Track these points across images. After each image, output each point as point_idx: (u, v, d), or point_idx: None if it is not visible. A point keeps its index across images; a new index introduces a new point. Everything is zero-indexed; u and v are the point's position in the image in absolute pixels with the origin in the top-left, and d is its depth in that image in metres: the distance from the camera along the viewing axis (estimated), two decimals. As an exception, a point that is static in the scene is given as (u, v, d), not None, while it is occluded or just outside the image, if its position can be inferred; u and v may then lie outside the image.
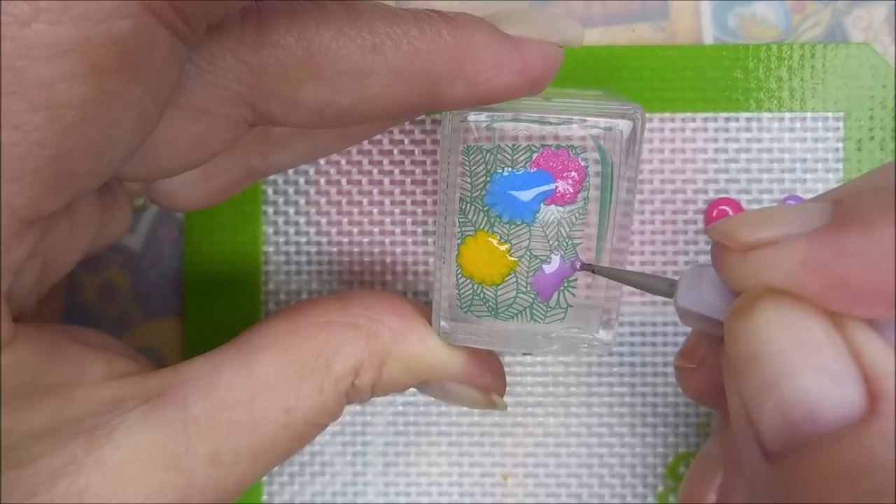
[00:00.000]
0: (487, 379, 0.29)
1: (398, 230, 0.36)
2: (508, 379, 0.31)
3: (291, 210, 0.36)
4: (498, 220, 0.27)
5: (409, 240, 0.36)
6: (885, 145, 0.35)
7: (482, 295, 0.28)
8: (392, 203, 0.36)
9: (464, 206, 0.27)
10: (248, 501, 0.36)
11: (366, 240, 0.36)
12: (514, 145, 0.27)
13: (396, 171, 0.36)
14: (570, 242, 0.27)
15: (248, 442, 0.26)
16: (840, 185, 0.23)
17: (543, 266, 0.28)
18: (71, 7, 0.18)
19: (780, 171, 0.35)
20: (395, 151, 0.36)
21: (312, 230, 0.36)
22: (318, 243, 0.36)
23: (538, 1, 0.36)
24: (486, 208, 0.27)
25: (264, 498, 0.36)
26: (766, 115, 0.35)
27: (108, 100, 0.19)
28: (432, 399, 0.36)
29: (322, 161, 0.36)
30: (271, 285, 0.36)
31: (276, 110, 0.24)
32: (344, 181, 0.36)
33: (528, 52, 0.25)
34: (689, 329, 0.35)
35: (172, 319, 0.37)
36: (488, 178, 0.27)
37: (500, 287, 0.28)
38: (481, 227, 0.27)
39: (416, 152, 0.36)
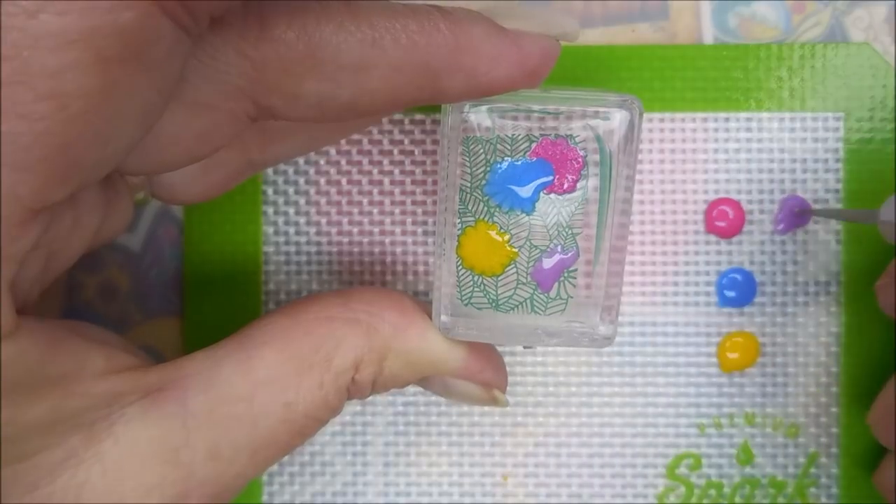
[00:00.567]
0: (489, 374, 0.29)
1: (398, 230, 0.36)
2: (509, 380, 0.31)
3: (291, 210, 0.36)
4: (498, 209, 0.27)
5: (410, 240, 0.36)
6: (885, 145, 0.35)
7: (482, 286, 0.28)
8: (392, 203, 0.36)
9: (464, 197, 0.27)
10: (248, 501, 0.36)
11: (366, 240, 0.36)
12: (513, 135, 0.27)
13: (396, 171, 0.36)
14: (569, 232, 0.27)
15: (247, 436, 0.26)
16: None
17: (543, 256, 0.28)
18: None
19: (779, 171, 0.35)
20: (395, 151, 0.36)
21: (313, 230, 0.36)
22: (319, 243, 0.36)
23: (538, 0, 0.36)
24: (485, 198, 0.27)
25: (264, 498, 0.36)
26: (765, 115, 0.35)
27: (113, 90, 0.19)
28: (433, 399, 0.36)
29: (322, 161, 0.36)
30: (271, 285, 0.36)
31: (278, 104, 0.24)
32: (344, 181, 0.36)
33: (526, 45, 0.25)
34: (689, 327, 0.35)
35: (172, 319, 0.37)
36: (488, 169, 0.27)
37: (500, 278, 0.28)
38: (481, 217, 0.27)
39: (416, 152, 0.36)
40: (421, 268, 0.36)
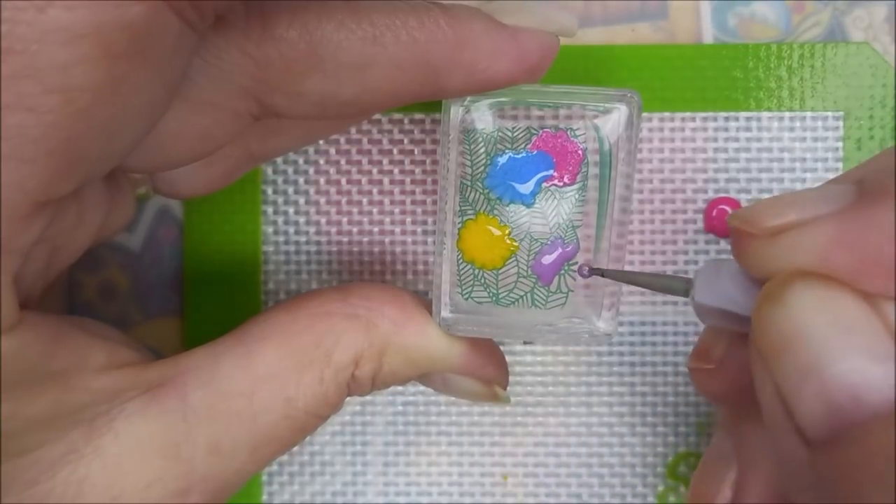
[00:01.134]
0: (489, 370, 0.29)
1: (398, 230, 0.36)
2: (508, 379, 0.31)
3: (291, 210, 0.36)
4: (498, 202, 0.27)
5: (409, 239, 0.36)
6: (885, 144, 0.35)
7: (483, 280, 0.28)
8: (391, 202, 0.36)
9: (464, 191, 0.28)
10: (248, 501, 0.36)
11: (365, 239, 0.36)
12: (513, 128, 0.27)
13: (396, 170, 0.36)
14: (569, 225, 0.28)
15: (248, 432, 0.26)
16: (852, 170, 0.23)
17: (544, 250, 0.28)
18: None
19: (779, 171, 0.35)
20: (395, 151, 0.36)
21: (312, 230, 0.36)
22: (318, 243, 0.36)
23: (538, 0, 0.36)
24: (486, 191, 0.27)
25: (264, 498, 0.36)
26: (765, 114, 0.35)
27: (120, 84, 0.20)
28: (432, 399, 0.36)
29: (321, 161, 0.36)
30: (271, 285, 0.36)
31: (281, 103, 0.24)
32: (343, 181, 0.36)
33: (525, 40, 0.25)
34: (688, 327, 0.35)
35: (172, 319, 0.37)
36: (488, 162, 0.27)
37: (500, 271, 0.28)
38: (481, 210, 0.28)
39: (416, 152, 0.36)
40: (420, 267, 0.36)
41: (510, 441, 0.36)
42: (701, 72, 0.35)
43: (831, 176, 0.35)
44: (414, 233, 0.36)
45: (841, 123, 0.35)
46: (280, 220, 0.36)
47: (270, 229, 0.36)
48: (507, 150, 0.27)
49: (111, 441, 0.24)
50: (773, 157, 0.35)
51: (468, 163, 0.27)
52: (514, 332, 0.28)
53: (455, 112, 0.27)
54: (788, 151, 0.35)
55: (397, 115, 0.36)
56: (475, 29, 0.24)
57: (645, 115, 0.35)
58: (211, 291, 0.36)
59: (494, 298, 0.28)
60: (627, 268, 0.35)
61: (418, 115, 0.36)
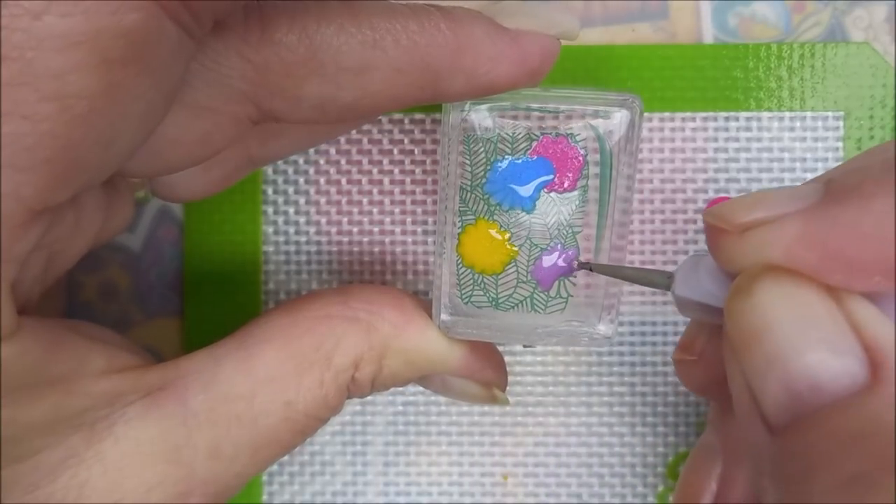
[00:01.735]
0: (488, 373, 0.29)
1: (398, 230, 0.36)
2: (508, 378, 0.31)
3: (291, 210, 0.36)
4: (498, 208, 0.27)
5: (409, 239, 0.36)
6: (885, 144, 0.35)
7: (482, 285, 0.28)
8: (392, 202, 0.36)
9: (464, 195, 0.27)
10: (248, 501, 0.36)
11: (366, 239, 0.36)
12: (513, 134, 0.27)
13: (396, 170, 0.36)
14: (570, 230, 0.28)
15: (248, 435, 0.26)
16: (829, 170, 0.23)
17: (543, 255, 0.28)
18: (81, 0, 0.18)
19: (779, 171, 0.35)
20: (395, 151, 0.36)
21: (312, 230, 0.36)
22: (318, 243, 0.36)
23: (538, 0, 0.36)
24: (486, 196, 0.27)
25: (264, 498, 0.36)
26: (765, 114, 0.35)
27: (117, 92, 0.19)
28: (432, 399, 0.36)
29: (322, 161, 0.36)
30: (271, 285, 0.36)
31: (280, 107, 0.24)
32: (344, 181, 0.36)
33: (526, 44, 0.25)
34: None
35: (172, 319, 0.37)
36: (488, 167, 0.27)
37: (500, 276, 0.28)
38: (481, 215, 0.28)
39: (416, 152, 0.36)
40: (421, 267, 0.36)
41: (510, 441, 0.36)
42: (701, 72, 0.35)
43: (831, 176, 0.35)
44: (414, 233, 0.36)
45: (841, 123, 0.35)
46: (280, 220, 0.36)
47: (271, 229, 0.36)
48: (507, 156, 0.27)
49: (112, 445, 0.24)
50: (773, 157, 0.35)
51: (468, 167, 0.27)
52: (514, 335, 0.28)
53: (455, 115, 0.27)
54: (789, 151, 0.35)
55: (397, 116, 0.36)
56: (476, 33, 0.24)
57: (645, 115, 0.35)
58: (211, 291, 0.36)
59: (494, 303, 0.28)
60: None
61: (418, 116, 0.36)
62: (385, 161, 0.36)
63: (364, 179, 0.36)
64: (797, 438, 0.19)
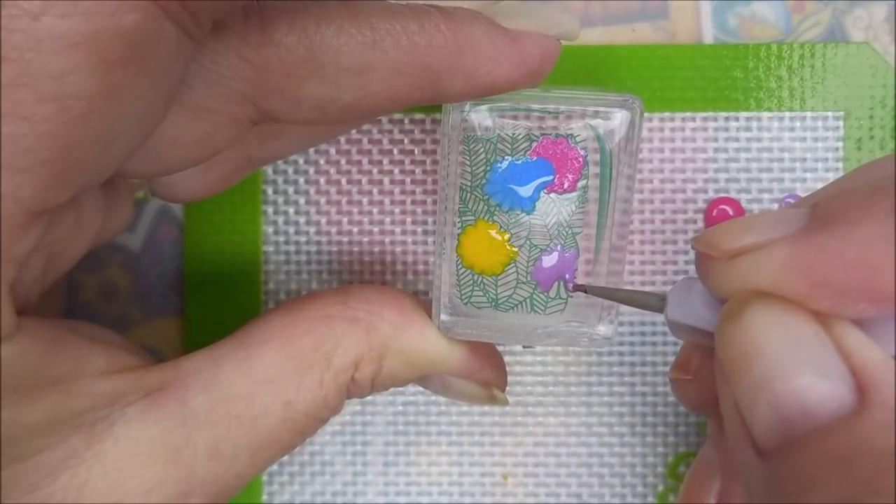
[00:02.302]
0: (488, 373, 0.29)
1: (398, 229, 0.36)
2: (508, 378, 0.31)
3: (291, 210, 0.36)
4: (498, 208, 0.27)
5: (409, 239, 0.36)
6: (885, 144, 0.35)
7: (482, 285, 0.28)
8: (392, 202, 0.36)
9: (464, 196, 0.27)
10: (248, 501, 0.36)
11: (366, 239, 0.36)
12: (513, 135, 0.27)
13: (396, 170, 0.36)
14: (569, 231, 0.28)
15: (248, 435, 0.26)
16: (816, 191, 0.24)
17: (543, 255, 0.28)
18: (80, 1, 0.18)
19: (779, 171, 0.35)
20: (395, 151, 0.36)
21: (312, 230, 0.36)
22: (318, 243, 0.36)
23: (538, 0, 0.36)
24: (485, 197, 0.27)
25: (264, 498, 0.36)
26: (765, 114, 0.35)
27: (116, 93, 0.19)
28: (432, 399, 0.36)
29: (322, 161, 0.36)
30: (271, 285, 0.36)
31: (280, 108, 0.24)
32: (344, 181, 0.36)
33: (526, 44, 0.25)
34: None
35: (172, 319, 0.37)
36: (488, 168, 0.27)
37: (500, 277, 0.28)
38: (481, 216, 0.28)
39: (416, 152, 0.36)
40: (421, 267, 0.36)
41: (510, 441, 0.36)
42: (701, 72, 0.35)
43: (832, 176, 0.35)
44: (414, 233, 0.36)
45: (841, 123, 0.35)
46: (280, 220, 0.36)
47: (271, 229, 0.36)
48: (507, 156, 0.27)
49: (111, 446, 0.24)
50: (773, 157, 0.35)
51: (468, 167, 0.27)
52: (514, 336, 0.28)
53: (455, 115, 0.27)
54: (789, 151, 0.35)
55: (397, 116, 0.36)
56: (476, 33, 0.24)
57: (645, 115, 0.35)
58: (211, 291, 0.36)
59: (494, 303, 0.28)
60: (627, 267, 0.35)
61: (418, 116, 0.36)
62: (385, 161, 0.36)
63: (364, 179, 0.36)
64: (786, 462, 0.19)
